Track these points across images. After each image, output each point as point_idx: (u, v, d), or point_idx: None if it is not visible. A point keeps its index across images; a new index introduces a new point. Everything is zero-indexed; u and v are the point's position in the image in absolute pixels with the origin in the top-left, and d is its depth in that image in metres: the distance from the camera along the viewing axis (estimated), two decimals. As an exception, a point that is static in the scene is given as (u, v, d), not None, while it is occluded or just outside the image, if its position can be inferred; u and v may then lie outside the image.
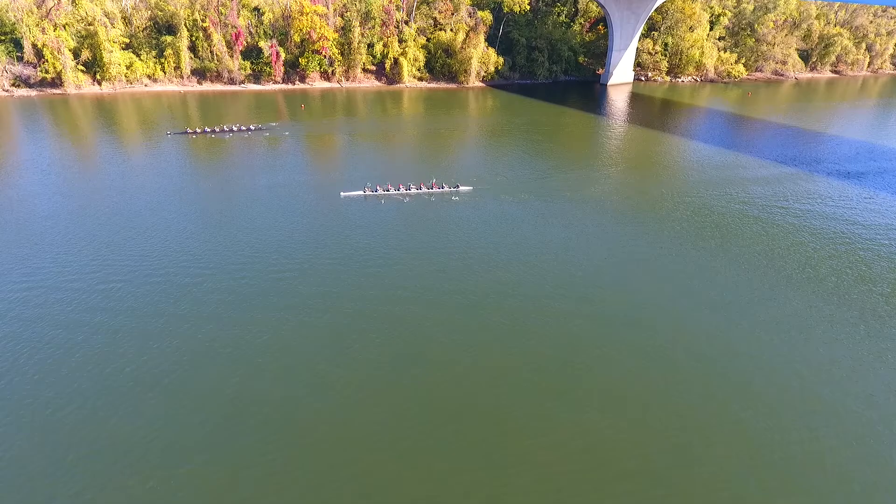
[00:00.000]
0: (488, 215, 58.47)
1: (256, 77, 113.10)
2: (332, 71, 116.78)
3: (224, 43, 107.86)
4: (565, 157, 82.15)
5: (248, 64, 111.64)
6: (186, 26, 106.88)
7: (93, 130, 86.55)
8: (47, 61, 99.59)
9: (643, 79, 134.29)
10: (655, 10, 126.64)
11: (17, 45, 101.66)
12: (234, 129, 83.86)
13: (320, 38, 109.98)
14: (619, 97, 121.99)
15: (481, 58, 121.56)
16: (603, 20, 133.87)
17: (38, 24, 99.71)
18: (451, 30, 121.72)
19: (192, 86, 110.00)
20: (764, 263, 49.49)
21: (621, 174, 73.99)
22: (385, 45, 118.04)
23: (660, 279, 47.13)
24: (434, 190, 62.81)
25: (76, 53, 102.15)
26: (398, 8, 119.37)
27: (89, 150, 78.68)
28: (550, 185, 68.40)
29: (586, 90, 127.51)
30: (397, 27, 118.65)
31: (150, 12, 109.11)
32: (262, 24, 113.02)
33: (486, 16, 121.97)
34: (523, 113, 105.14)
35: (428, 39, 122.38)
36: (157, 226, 54.02)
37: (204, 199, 61.81)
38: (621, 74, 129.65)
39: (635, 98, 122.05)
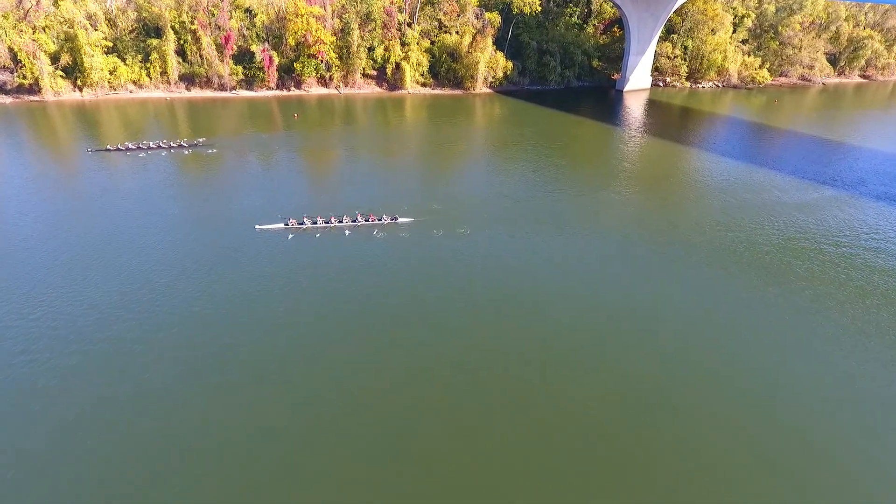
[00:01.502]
0: (454, 256, 51.26)
1: (249, 83, 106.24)
2: (330, 76, 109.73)
3: (214, 46, 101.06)
4: (576, 174, 74.67)
5: (239, 69, 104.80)
6: (174, 29, 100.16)
7: (17, 142, 79.28)
8: (24, 66, 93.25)
9: (661, 84, 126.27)
10: (675, 11, 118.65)
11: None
12: (163, 145, 75.78)
13: (316, 42, 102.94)
14: (636, 104, 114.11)
15: (489, 62, 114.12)
16: (618, 22, 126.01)
17: (14, 27, 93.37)
18: (457, 32, 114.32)
19: (181, 92, 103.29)
20: (835, 316, 42.14)
21: (641, 196, 66.40)
22: (386, 49, 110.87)
23: (712, 336, 39.85)
24: (370, 222, 54.76)
25: (56, 58, 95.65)
26: (400, 9, 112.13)
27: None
28: (557, 209, 61.08)
29: (601, 96, 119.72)
30: (399, 30, 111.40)
31: (136, 14, 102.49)
32: (255, 26, 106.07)
33: (495, 17, 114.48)
34: (532, 122, 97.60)
35: (432, 42, 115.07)
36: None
37: (93, 228, 54.03)
38: (638, 80, 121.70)
39: (653, 105, 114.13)
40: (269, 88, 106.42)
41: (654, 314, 42.88)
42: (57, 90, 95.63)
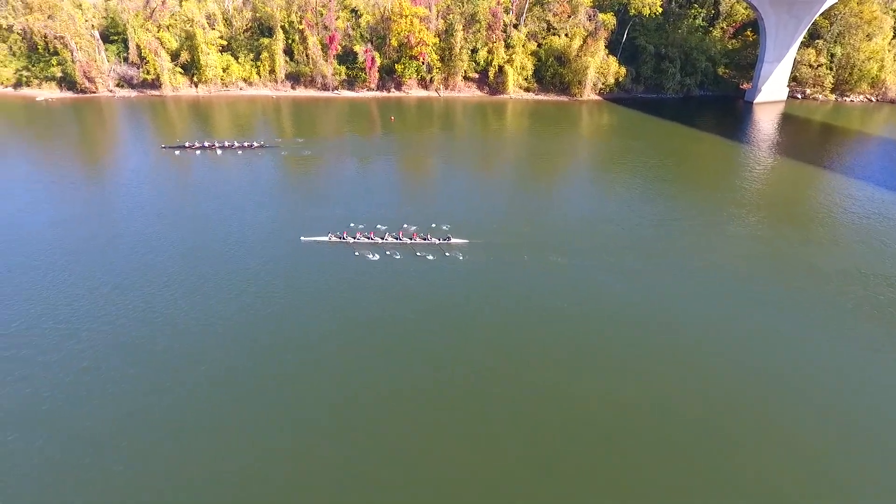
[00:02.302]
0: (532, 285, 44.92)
1: (350, 83, 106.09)
2: (431, 78, 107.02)
3: (319, 46, 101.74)
4: (693, 197, 65.55)
5: (342, 69, 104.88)
6: (284, 28, 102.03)
7: (108, 134, 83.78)
8: (148, 62, 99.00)
9: (799, 96, 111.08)
10: (821, 13, 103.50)
11: (127, 46, 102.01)
12: (231, 145, 74.83)
13: (419, 43, 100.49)
14: (768, 118, 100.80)
15: (599, 67, 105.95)
16: (752, 24, 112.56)
17: (142, 26, 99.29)
18: (567, 35, 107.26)
19: (286, 91, 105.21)
20: None
21: (772, 230, 56.56)
22: (490, 52, 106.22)
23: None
24: (418, 241, 50.21)
25: (176, 55, 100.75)
26: (507, 10, 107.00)
27: (78, 157, 74.04)
28: (666, 238, 53.24)
29: (726, 108, 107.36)
30: (505, 31, 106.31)
31: (251, 13, 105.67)
32: (360, 27, 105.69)
33: (609, 19, 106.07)
34: (644, 135, 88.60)
35: (539, 45, 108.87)
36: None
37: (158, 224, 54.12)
38: (772, 90, 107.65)
39: (789, 121, 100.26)
40: (369, 89, 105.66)
41: (789, 384, 34.80)
42: (175, 85, 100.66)
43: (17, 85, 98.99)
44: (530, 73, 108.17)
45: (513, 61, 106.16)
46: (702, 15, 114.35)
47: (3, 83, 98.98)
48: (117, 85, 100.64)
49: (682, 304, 43.15)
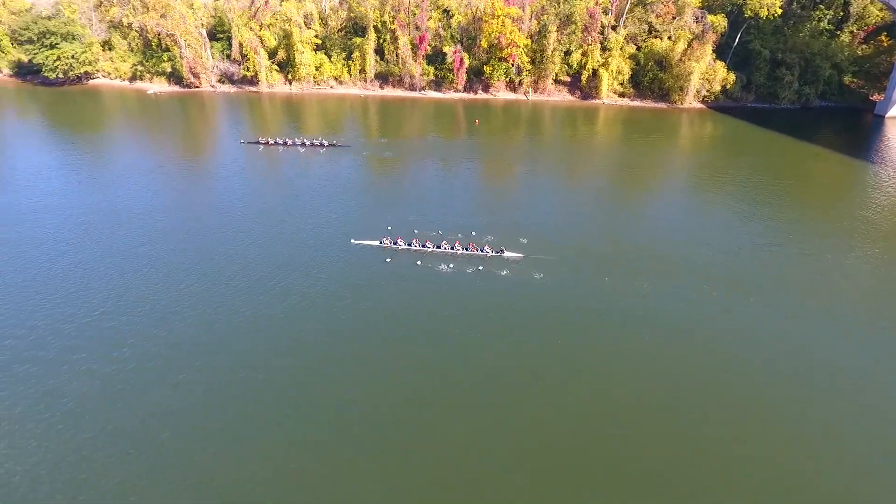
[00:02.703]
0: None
1: (438, 84, 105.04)
2: (520, 81, 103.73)
3: (409, 46, 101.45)
4: (806, 224, 58.06)
5: (431, 69, 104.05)
6: (376, 28, 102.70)
7: (201, 128, 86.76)
8: (248, 60, 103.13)
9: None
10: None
11: (231, 44, 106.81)
12: (308, 142, 75.03)
13: (509, 45, 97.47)
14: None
15: (705, 73, 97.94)
16: (887, 28, 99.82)
17: (246, 24, 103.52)
18: (670, 37, 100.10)
19: (374, 90, 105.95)
20: None
21: (909, 269, 48.55)
22: (584, 54, 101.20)
23: None
24: (469, 252, 47.52)
25: (273, 53, 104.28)
26: (605, 11, 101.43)
27: (173, 148, 76.57)
28: (770, 270, 47.04)
29: (851, 122, 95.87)
30: (601, 33, 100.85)
31: (347, 13, 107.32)
32: (451, 27, 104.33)
33: (719, 21, 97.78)
34: (752, 149, 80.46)
35: (638, 48, 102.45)
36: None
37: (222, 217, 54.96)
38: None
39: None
40: (456, 90, 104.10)
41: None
42: (271, 82, 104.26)
43: (133, 78, 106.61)
44: (627, 77, 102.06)
45: (608, 65, 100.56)
46: (828, 17, 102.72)
47: (121, 77, 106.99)
48: (219, 80, 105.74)
49: (790, 352, 37.46)
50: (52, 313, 39.00)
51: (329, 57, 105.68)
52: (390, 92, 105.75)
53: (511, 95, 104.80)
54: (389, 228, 50.47)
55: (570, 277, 44.68)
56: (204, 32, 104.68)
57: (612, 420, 31.53)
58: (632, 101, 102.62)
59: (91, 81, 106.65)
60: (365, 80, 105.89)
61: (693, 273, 46.00)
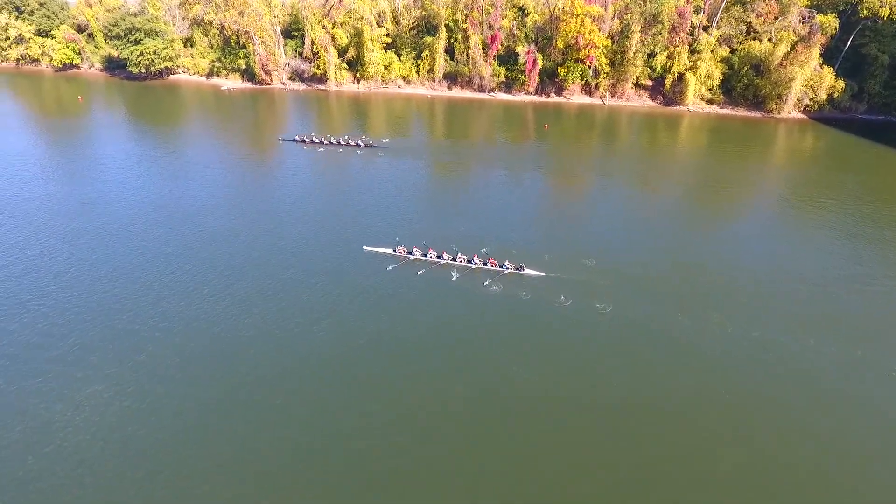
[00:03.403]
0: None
1: (508, 86, 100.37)
2: (596, 84, 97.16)
3: (480, 46, 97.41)
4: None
5: (502, 70, 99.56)
6: (447, 27, 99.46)
7: (245, 124, 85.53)
8: (319, 58, 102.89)
9: None
10: None
11: (304, 42, 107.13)
12: (345, 142, 72.73)
13: (587, 45, 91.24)
14: None
15: (809, 79, 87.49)
16: None
17: (319, 22, 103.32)
18: (770, 39, 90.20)
19: (442, 90, 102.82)
20: None
21: None
22: (670, 57, 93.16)
23: None
24: (487, 266, 43.43)
25: (344, 51, 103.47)
26: (697, 10, 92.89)
27: (194, 143, 76.45)
28: (869, 308, 39.08)
29: None
30: (691, 34, 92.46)
31: (420, 11, 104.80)
32: (525, 26, 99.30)
33: (829, 22, 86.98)
34: (862, 166, 70.37)
35: (732, 51, 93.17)
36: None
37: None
38: None
39: None
40: (527, 93, 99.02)
41: None
42: (339, 81, 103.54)
43: (210, 74, 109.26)
44: (717, 82, 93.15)
45: (697, 68, 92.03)
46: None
47: (199, 73, 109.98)
48: (289, 78, 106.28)
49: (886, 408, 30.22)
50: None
51: (398, 56, 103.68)
52: (458, 93, 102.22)
53: (586, 99, 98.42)
54: (397, 239, 46.52)
55: (618, 305, 38.89)
56: (279, 30, 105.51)
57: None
58: (721, 108, 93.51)
59: (171, 76, 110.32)
60: (433, 80, 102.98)
61: (782, 313, 38.91)
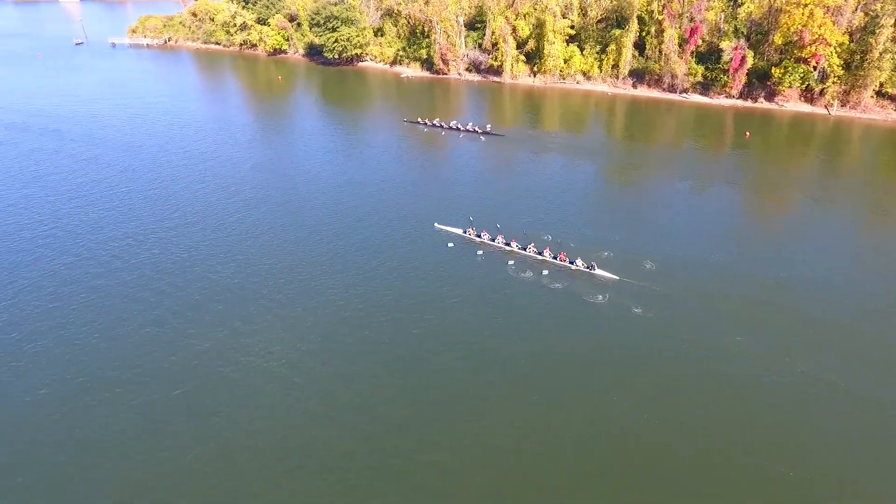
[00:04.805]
0: None
1: (705, 87, 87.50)
2: (822, 90, 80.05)
3: (676, 40, 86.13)
4: None
5: (699, 69, 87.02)
6: (640, 18, 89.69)
7: (399, 108, 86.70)
8: (498, 49, 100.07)
9: None
10: None
11: (485, 33, 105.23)
12: (464, 127, 73.33)
13: (815, 42, 75.15)
14: None
15: None
16: None
17: (502, 13, 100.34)
18: None
19: (625, 89, 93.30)
20: None
21: None
22: (934, 59, 73.08)
23: None
24: (557, 261, 41.17)
25: (523, 43, 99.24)
26: None
27: (337, 119, 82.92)
28: None
29: None
30: (972, 30, 71.38)
31: (610, 2, 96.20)
32: (735, 18, 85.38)
33: None
34: None
35: None
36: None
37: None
38: None
39: None
40: (728, 96, 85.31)
41: None
42: (515, 74, 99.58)
43: (393, 62, 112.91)
44: None
45: (974, 75, 70.92)
46: None
47: (384, 60, 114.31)
48: (466, 69, 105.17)
49: None
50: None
51: (581, 50, 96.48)
52: (644, 92, 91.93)
53: (804, 107, 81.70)
54: (471, 219, 46.20)
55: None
56: (461, 21, 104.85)
57: None
58: None
59: (360, 63, 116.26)
60: (616, 77, 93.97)
61: None
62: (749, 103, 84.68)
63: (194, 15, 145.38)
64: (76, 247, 44.05)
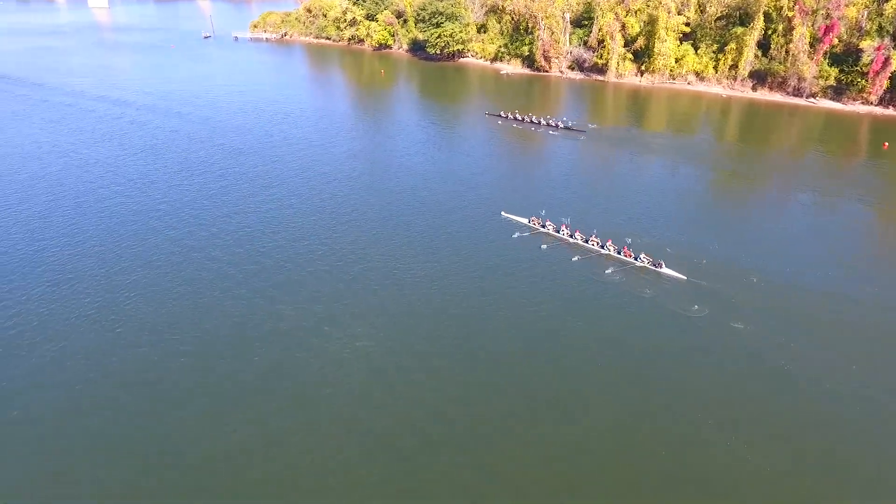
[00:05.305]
0: None
1: (838, 91, 78.78)
2: None
3: (807, 40, 78.09)
4: None
5: (833, 71, 78.49)
6: (767, 15, 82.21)
7: (491, 103, 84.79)
8: (604, 47, 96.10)
9: None
10: None
11: (591, 30, 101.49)
12: (542, 122, 72.41)
13: (983, 41, 65.13)
14: None
15: None
16: None
17: (612, 9, 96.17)
18: None
19: (743, 91, 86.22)
20: None
21: None
22: None
23: None
24: (621, 256, 39.47)
25: (632, 41, 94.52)
26: None
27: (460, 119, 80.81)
28: None
29: None
30: None
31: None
32: (881, 15, 75.84)
33: None
34: None
35: None
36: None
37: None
38: None
39: None
40: (864, 102, 76.33)
41: None
42: (620, 73, 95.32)
43: (494, 59, 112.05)
44: None
45: None
46: None
47: (485, 57, 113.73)
48: (568, 67, 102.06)
49: None
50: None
51: (695, 49, 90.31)
52: (764, 95, 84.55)
53: (962, 118, 71.33)
54: (543, 212, 45.09)
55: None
56: (567, 17, 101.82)
57: None
58: None
59: (461, 59, 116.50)
60: (734, 79, 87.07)
61: None
62: (890, 111, 75.44)
63: (309, 11, 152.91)
64: (179, 221, 46.86)
